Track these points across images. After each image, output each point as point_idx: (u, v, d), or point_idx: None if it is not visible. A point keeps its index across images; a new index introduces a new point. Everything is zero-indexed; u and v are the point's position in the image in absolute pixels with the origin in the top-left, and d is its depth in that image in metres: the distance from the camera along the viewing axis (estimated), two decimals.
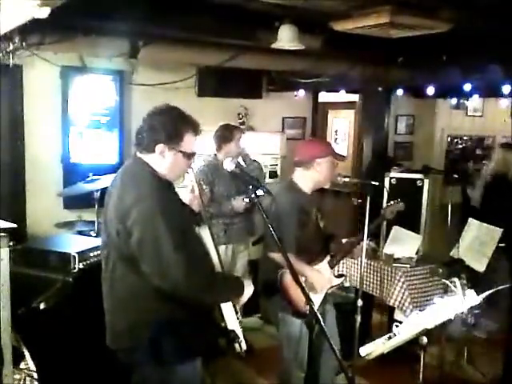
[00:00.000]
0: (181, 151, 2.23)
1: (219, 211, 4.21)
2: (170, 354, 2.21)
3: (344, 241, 3.43)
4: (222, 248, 4.05)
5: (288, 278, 3.00)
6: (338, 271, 3.67)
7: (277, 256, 2.97)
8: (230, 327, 2.36)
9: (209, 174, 4.28)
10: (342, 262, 3.84)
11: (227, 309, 2.37)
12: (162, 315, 2.19)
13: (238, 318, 2.43)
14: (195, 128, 2.28)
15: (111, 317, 2.31)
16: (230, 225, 4.34)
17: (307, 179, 3.13)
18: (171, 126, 2.22)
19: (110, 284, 2.27)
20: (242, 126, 5.96)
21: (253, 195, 2.31)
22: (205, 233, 2.42)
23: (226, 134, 4.34)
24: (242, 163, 4.19)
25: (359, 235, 3.23)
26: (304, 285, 2.37)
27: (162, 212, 2.09)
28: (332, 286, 3.21)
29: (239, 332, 2.40)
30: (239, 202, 4.19)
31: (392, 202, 3.40)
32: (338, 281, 3.24)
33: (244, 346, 2.39)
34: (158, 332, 2.18)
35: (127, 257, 2.15)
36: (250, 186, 2.35)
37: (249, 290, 2.38)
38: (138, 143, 2.28)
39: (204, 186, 4.01)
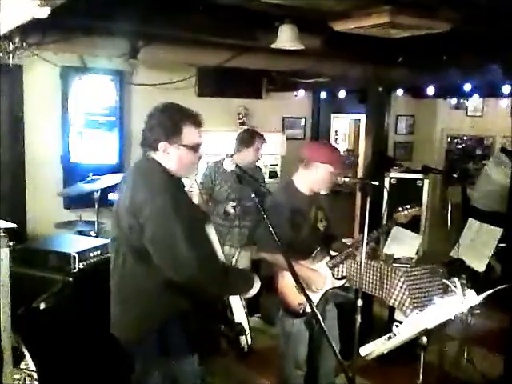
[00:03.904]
0: (183, 145, 2.26)
1: (213, 212, 4.21)
2: (176, 346, 2.25)
3: (345, 240, 3.41)
4: None
5: (280, 278, 3.00)
6: (339, 272, 3.66)
7: (267, 255, 2.98)
8: (237, 320, 2.42)
9: (212, 173, 4.28)
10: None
11: (235, 302, 2.43)
12: (170, 308, 2.24)
13: (245, 312, 2.49)
14: (193, 120, 2.30)
15: (119, 308, 2.36)
16: (223, 227, 4.31)
17: (304, 180, 3.13)
18: (168, 122, 2.25)
19: (120, 277, 2.32)
20: (242, 126, 5.98)
21: (252, 195, 2.32)
22: (210, 231, 2.46)
23: (246, 139, 4.29)
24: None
25: (360, 236, 3.21)
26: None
27: (175, 207, 2.14)
28: (333, 288, 3.21)
29: (246, 325, 2.46)
30: (229, 208, 4.19)
31: (408, 206, 3.21)
32: (340, 283, 3.23)
33: (249, 340, 2.47)
34: (165, 324, 2.23)
35: (139, 251, 2.19)
36: (250, 186, 2.38)
37: (257, 284, 2.42)
38: (143, 144, 2.33)
39: (201, 187, 4.05)
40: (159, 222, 2.13)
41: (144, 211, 2.14)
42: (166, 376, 2.30)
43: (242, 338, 2.43)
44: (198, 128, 2.31)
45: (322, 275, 3.11)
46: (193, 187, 2.56)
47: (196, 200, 2.57)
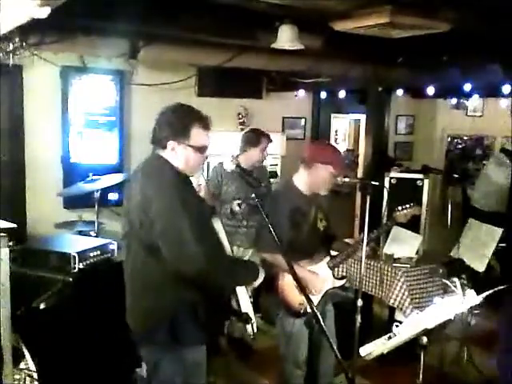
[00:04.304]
0: (190, 145, 2.34)
1: (220, 212, 4.21)
2: (186, 336, 2.32)
3: (346, 240, 3.41)
4: None
5: (280, 278, 3.00)
6: (339, 271, 3.67)
7: (267, 256, 2.98)
8: (243, 310, 2.50)
9: (218, 174, 4.28)
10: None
11: (241, 292, 2.51)
12: (180, 299, 2.32)
13: (251, 302, 2.57)
14: (203, 122, 2.38)
15: (131, 300, 2.44)
16: (231, 227, 4.28)
17: (305, 180, 3.13)
18: (178, 122, 2.35)
19: (132, 269, 2.41)
20: (242, 126, 5.99)
21: (253, 195, 2.36)
22: (217, 225, 2.53)
23: (252, 138, 4.27)
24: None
25: (360, 236, 3.20)
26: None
27: (183, 203, 2.22)
28: (333, 288, 3.21)
29: (252, 314, 2.54)
30: (235, 206, 4.19)
31: (407, 206, 3.22)
32: (340, 283, 3.24)
33: (255, 329, 2.55)
34: (174, 314, 2.31)
35: (149, 245, 2.27)
36: (250, 186, 2.42)
37: (262, 274, 2.51)
38: (152, 141, 2.41)
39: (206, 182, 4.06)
40: (168, 217, 2.21)
41: (153, 207, 2.22)
42: (176, 364, 2.37)
43: (248, 326, 2.52)
44: (206, 130, 2.39)
45: (320, 278, 3.11)
46: (200, 181, 2.64)
47: (203, 193, 2.64)
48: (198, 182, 2.66)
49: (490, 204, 5.94)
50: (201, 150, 2.37)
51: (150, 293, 2.35)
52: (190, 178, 2.50)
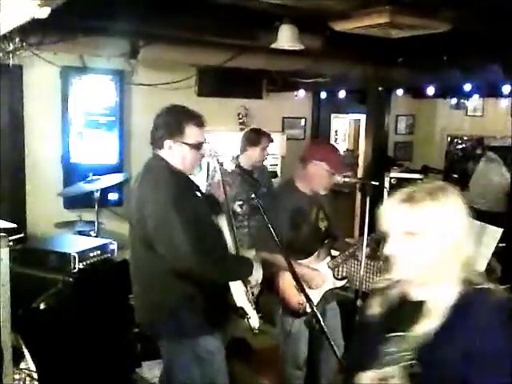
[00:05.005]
0: (185, 143, 2.43)
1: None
2: (187, 328, 2.41)
3: (347, 240, 3.41)
4: None
5: (280, 278, 3.00)
6: (339, 272, 3.66)
7: (266, 255, 2.98)
8: (238, 305, 2.54)
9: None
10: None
11: (236, 288, 2.55)
12: (179, 292, 2.41)
13: (248, 299, 2.62)
14: (196, 120, 2.47)
15: (137, 294, 2.56)
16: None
17: (303, 178, 3.12)
18: (172, 121, 2.45)
19: (135, 265, 2.52)
20: (242, 126, 5.99)
21: (253, 195, 2.39)
22: (222, 222, 2.61)
23: (253, 138, 4.28)
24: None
25: (361, 237, 3.19)
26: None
27: (175, 201, 2.29)
28: (334, 288, 3.20)
29: (248, 309, 2.58)
30: (236, 207, 4.20)
31: None
32: (341, 283, 3.23)
33: (256, 324, 2.60)
34: (176, 307, 2.40)
35: (146, 242, 2.36)
36: (250, 186, 2.48)
37: (259, 269, 2.64)
38: (151, 142, 2.52)
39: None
40: (160, 215, 2.29)
41: (147, 205, 2.32)
42: (191, 355, 2.45)
43: (245, 321, 2.56)
44: (200, 128, 2.48)
45: (321, 274, 3.11)
46: (217, 177, 2.70)
47: (218, 190, 2.72)
48: (217, 177, 2.73)
49: (485, 203, 5.93)
50: (196, 146, 2.46)
51: (151, 287, 2.44)
52: (200, 175, 2.59)
